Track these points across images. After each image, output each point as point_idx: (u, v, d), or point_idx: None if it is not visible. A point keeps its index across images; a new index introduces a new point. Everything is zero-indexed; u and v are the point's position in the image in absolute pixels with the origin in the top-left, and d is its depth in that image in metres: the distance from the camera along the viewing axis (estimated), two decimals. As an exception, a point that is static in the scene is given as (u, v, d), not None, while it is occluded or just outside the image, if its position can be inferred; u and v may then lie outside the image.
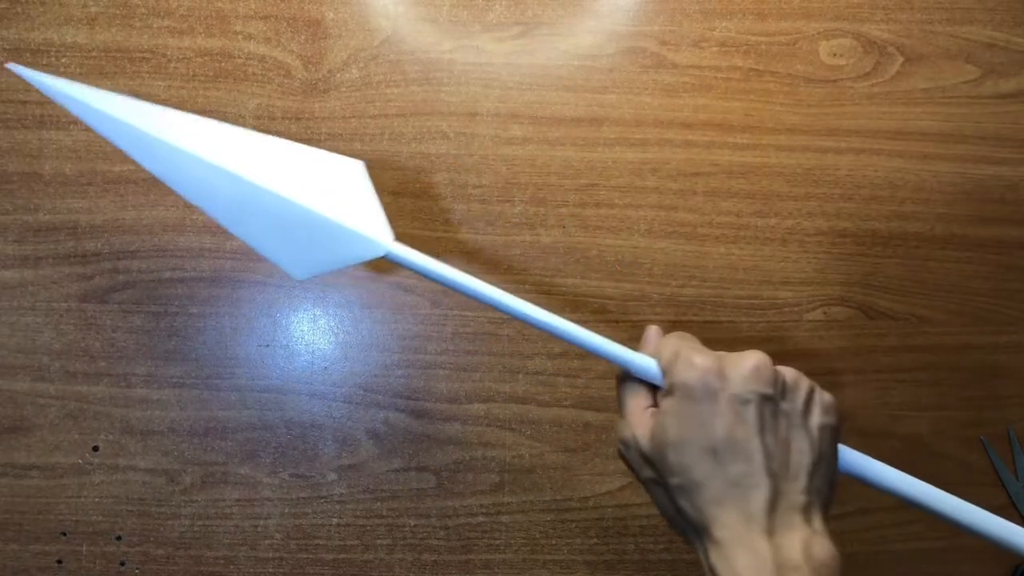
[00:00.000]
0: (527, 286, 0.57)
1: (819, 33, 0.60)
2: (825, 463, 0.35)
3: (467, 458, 0.56)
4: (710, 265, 0.58)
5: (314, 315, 0.56)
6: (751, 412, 0.33)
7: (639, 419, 0.37)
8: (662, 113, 0.58)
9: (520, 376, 0.57)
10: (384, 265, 0.56)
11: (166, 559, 0.54)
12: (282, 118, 0.57)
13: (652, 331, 0.39)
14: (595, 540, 0.56)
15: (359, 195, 0.40)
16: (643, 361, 0.37)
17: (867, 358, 0.59)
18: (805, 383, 0.36)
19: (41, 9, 0.56)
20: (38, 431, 0.54)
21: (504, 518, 0.56)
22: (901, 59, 0.60)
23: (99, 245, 0.55)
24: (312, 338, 0.56)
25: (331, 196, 0.39)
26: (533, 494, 0.56)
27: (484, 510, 0.56)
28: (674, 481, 0.34)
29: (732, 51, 0.59)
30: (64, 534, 0.54)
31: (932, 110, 0.60)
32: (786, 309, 0.58)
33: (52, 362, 0.54)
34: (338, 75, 0.57)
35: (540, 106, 0.58)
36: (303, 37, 0.57)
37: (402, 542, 0.55)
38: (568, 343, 0.39)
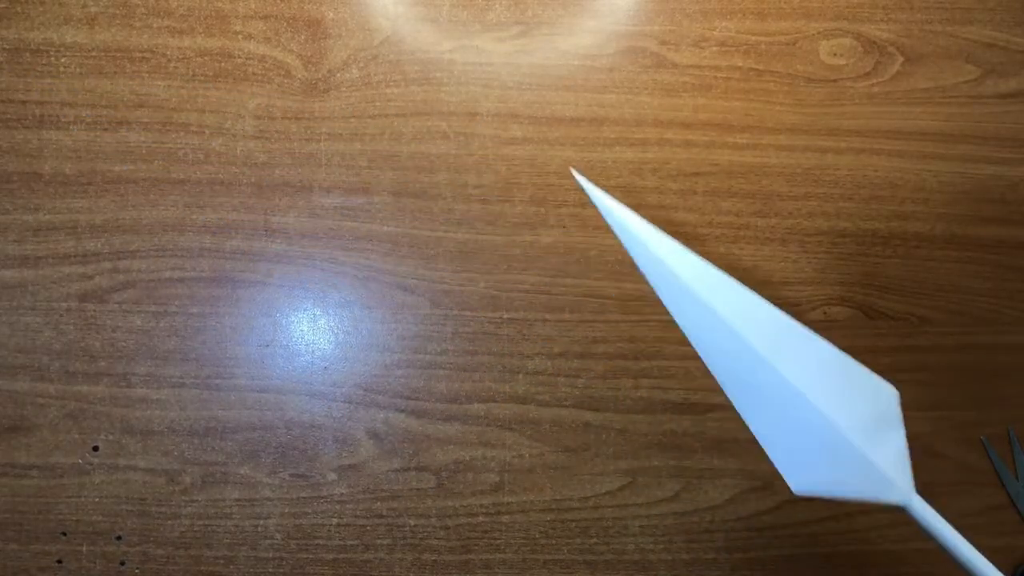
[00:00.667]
0: (527, 286, 0.57)
1: (819, 33, 0.60)
2: None
3: (467, 458, 0.56)
4: (710, 265, 0.58)
5: (314, 315, 0.56)
6: None
7: None
8: (662, 113, 0.58)
9: (520, 376, 0.57)
10: (385, 265, 0.56)
11: (166, 559, 0.54)
12: (282, 118, 0.57)
13: None
14: (595, 540, 0.56)
15: (888, 427, 0.37)
16: None
17: (867, 358, 0.58)
18: None
19: (41, 9, 0.56)
20: (38, 431, 0.54)
21: (504, 518, 0.56)
22: (901, 59, 0.60)
23: (99, 245, 0.55)
24: (312, 338, 0.56)
25: (861, 418, 0.36)
26: (533, 494, 0.56)
27: (484, 510, 0.56)
28: None
29: (732, 51, 0.59)
30: (64, 534, 0.54)
31: (932, 110, 0.60)
32: (786, 309, 0.58)
33: (52, 362, 0.54)
34: (338, 75, 0.57)
35: (540, 106, 0.58)
36: (303, 37, 0.57)
37: (402, 542, 0.55)
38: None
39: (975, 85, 0.61)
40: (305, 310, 0.56)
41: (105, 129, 0.56)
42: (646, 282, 0.57)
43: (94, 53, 0.56)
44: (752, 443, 0.57)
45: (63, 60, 0.56)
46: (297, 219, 0.56)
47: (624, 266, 0.58)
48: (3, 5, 0.56)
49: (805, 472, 0.35)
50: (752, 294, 0.37)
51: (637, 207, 0.57)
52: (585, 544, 0.56)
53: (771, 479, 0.57)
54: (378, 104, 0.57)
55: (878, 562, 0.57)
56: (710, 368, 0.36)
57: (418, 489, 0.55)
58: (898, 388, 0.37)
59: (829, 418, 0.35)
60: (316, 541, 0.55)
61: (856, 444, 0.35)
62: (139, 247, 0.55)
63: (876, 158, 0.60)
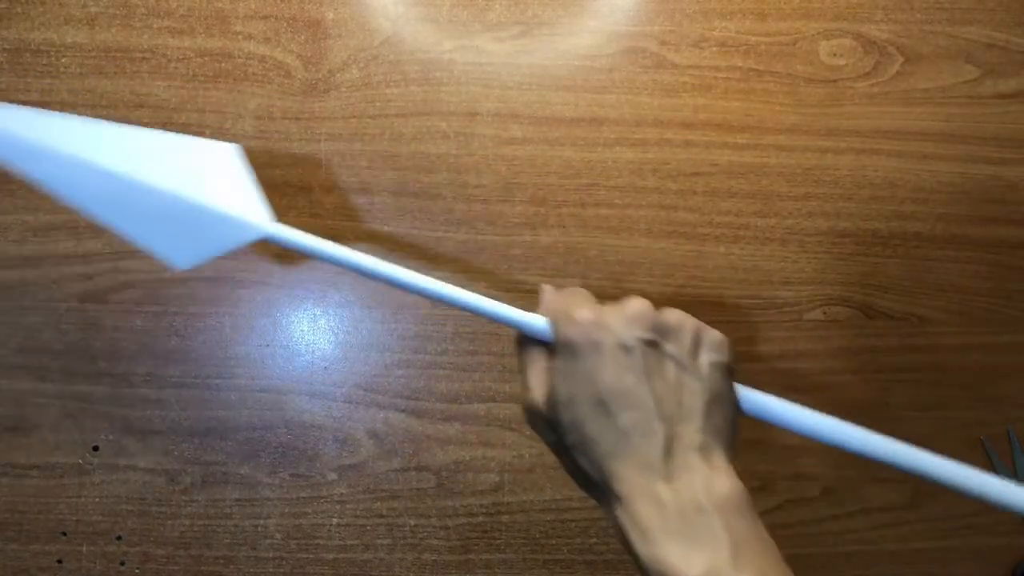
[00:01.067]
0: (527, 286, 0.57)
1: (819, 33, 0.60)
2: (720, 401, 0.34)
3: (467, 458, 0.56)
4: (710, 265, 0.58)
5: (314, 315, 0.56)
6: (636, 359, 0.33)
7: (537, 382, 0.36)
8: (662, 113, 0.58)
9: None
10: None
11: (166, 559, 0.54)
12: (282, 118, 0.57)
13: (545, 290, 0.39)
14: (595, 540, 0.56)
15: (233, 179, 0.40)
16: (535, 322, 0.37)
17: (867, 358, 0.59)
18: (690, 323, 0.36)
19: (41, 9, 0.56)
20: (38, 431, 0.54)
21: (504, 518, 0.56)
22: (901, 59, 0.60)
23: (99, 245, 0.55)
24: (312, 338, 0.56)
25: (203, 182, 0.39)
26: (533, 494, 0.56)
27: (484, 510, 0.56)
28: (570, 440, 0.34)
29: (732, 51, 0.59)
30: (64, 534, 0.54)
31: (932, 110, 0.60)
32: (786, 309, 0.58)
33: (52, 362, 0.54)
34: (338, 75, 0.57)
35: (540, 106, 0.58)
36: (303, 37, 0.57)
37: (402, 542, 0.55)
38: (462, 310, 0.38)
39: (975, 85, 0.61)
40: (305, 310, 0.56)
41: (105, 129, 0.56)
42: (646, 282, 0.57)
43: (94, 53, 0.56)
44: (752, 443, 0.58)
45: (63, 60, 0.56)
46: (297, 219, 0.56)
47: (624, 266, 0.58)
48: (3, 5, 0.56)
49: (182, 248, 0.39)
50: (73, 118, 0.40)
51: (637, 207, 0.58)
52: (585, 544, 0.56)
53: (771, 479, 0.57)
54: (378, 104, 0.57)
55: (878, 562, 0.57)
56: (85, 211, 0.38)
57: (418, 489, 0.55)
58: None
59: (175, 193, 0.39)
60: (316, 541, 0.55)
61: (206, 203, 0.39)
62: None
63: (876, 158, 0.60)
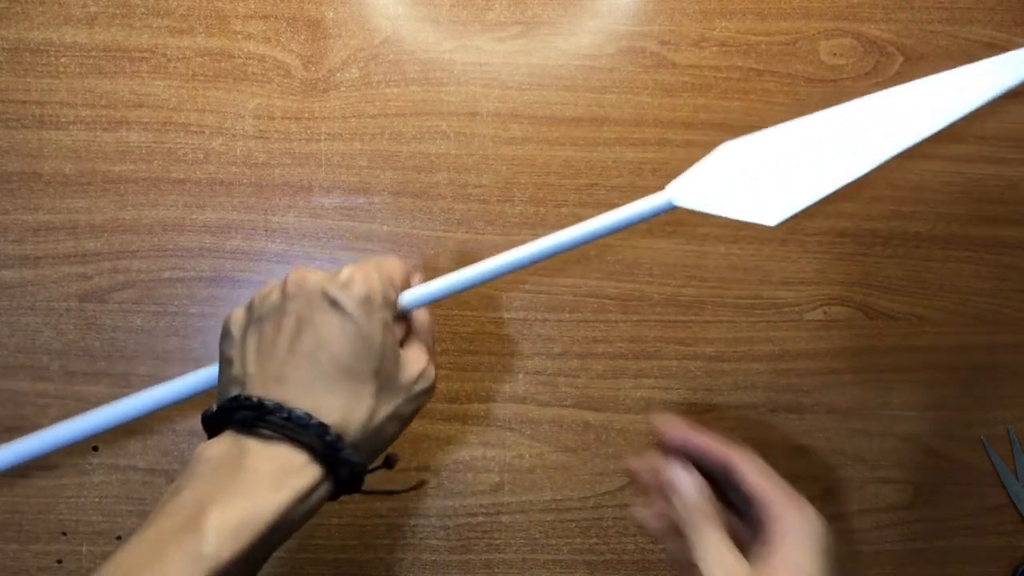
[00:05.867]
0: (527, 286, 0.57)
1: (819, 33, 0.60)
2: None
3: (467, 458, 0.56)
4: (710, 265, 0.58)
5: (314, 315, 0.56)
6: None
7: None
8: (662, 113, 0.58)
9: (520, 376, 0.57)
10: (384, 265, 0.56)
11: (166, 559, 0.54)
12: (282, 118, 0.57)
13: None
14: (595, 540, 0.56)
15: None
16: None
17: (867, 358, 0.59)
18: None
19: (40, 9, 0.56)
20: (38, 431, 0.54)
21: (504, 518, 0.56)
22: (901, 59, 0.60)
23: (99, 245, 0.55)
24: (312, 338, 0.56)
25: None
26: (533, 494, 0.56)
27: (484, 510, 0.56)
28: None
29: (732, 51, 0.59)
30: (64, 534, 0.54)
31: (932, 110, 0.60)
32: (786, 309, 0.58)
33: (52, 362, 0.54)
34: (338, 75, 0.57)
35: (540, 106, 0.58)
36: (303, 37, 0.57)
37: (402, 542, 0.55)
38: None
39: (975, 85, 0.61)
40: (305, 310, 0.56)
41: (105, 129, 0.56)
42: (646, 282, 0.57)
43: (94, 53, 0.56)
44: (752, 443, 0.57)
45: (63, 60, 0.56)
46: (297, 219, 0.56)
47: (624, 266, 0.58)
48: (3, 5, 0.56)
49: None
50: None
51: (637, 207, 0.57)
52: (585, 544, 0.56)
53: (771, 479, 0.57)
54: (378, 104, 0.57)
55: (878, 562, 0.57)
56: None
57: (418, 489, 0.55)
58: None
59: None
60: (316, 541, 0.55)
61: None
62: (139, 247, 0.55)
63: (876, 158, 0.59)
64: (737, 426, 0.57)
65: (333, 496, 0.34)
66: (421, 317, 0.40)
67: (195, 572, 0.27)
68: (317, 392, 0.33)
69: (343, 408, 0.33)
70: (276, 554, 0.54)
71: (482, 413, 0.56)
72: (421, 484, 0.36)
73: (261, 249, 0.56)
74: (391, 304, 0.37)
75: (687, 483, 0.36)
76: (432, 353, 0.39)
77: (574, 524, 0.56)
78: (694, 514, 0.35)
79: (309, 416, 0.32)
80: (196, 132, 0.56)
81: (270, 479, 0.31)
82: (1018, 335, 0.60)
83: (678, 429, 0.38)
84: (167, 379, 0.55)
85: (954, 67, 0.60)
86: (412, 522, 0.55)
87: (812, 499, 0.54)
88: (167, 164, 0.56)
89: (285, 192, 0.56)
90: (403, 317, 0.40)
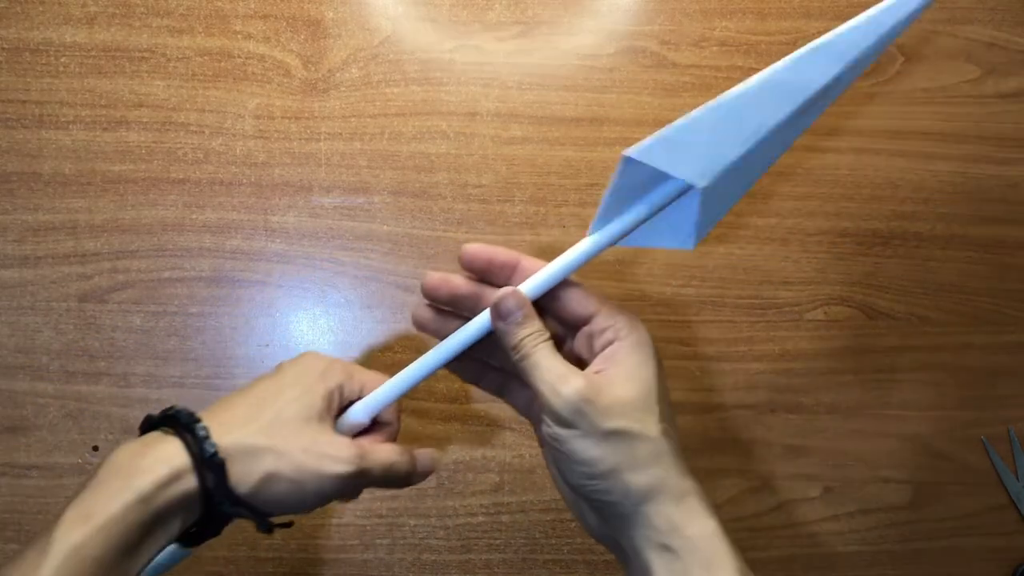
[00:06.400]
0: (527, 286, 0.57)
1: (819, 33, 0.60)
2: None
3: (467, 458, 0.56)
4: (710, 265, 0.58)
5: (314, 315, 0.56)
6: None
7: None
8: (662, 113, 0.58)
9: (520, 376, 0.56)
10: (385, 265, 0.56)
11: (166, 559, 0.54)
12: (282, 117, 0.57)
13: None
14: (595, 540, 0.56)
15: None
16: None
17: (867, 358, 0.59)
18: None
19: (41, 8, 0.56)
20: (38, 431, 0.54)
21: (504, 518, 0.56)
22: (901, 59, 0.60)
23: (99, 245, 0.55)
24: (312, 338, 0.56)
25: None
26: (533, 494, 0.56)
27: (484, 510, 0.56)
28: None
29: (732, 51, 0.59)
30: (64, 534, 0.54)
31: (932, 110, 0.60)
32: (786, 309, 0.58)
33: (52, 362, 0.54)
34: (338, 75, 0.57)
35: (540, 106, 0.58)
36: (303, 37, 0.57)
37: (402, 542, 0.55)
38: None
39: (975, 85, 0.61)
40: (305, 310, 0.56)
41: (104, 129, 0.56)
42: (646, 282, 0.57)
43: (94, 53, 0.56)
44: (752, 443, 0.58)
45: (63, 60, 0.56)
46: (297, 219, 0.56)
47: (624, 266, 0.58)
48: (3, 5, 0.56)
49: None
50: None
51: (637, 207, 0.58)
52: (585, 544, 0.56)
53: (771, 479, 0.57)
54: (378, 104, 0.57)
55: (878, 562, 0.57)
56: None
57: (418, 489, 0.55)
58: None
59: None
60: (316, 541, 0.55)
61: None
62: (138, 247, 0.55)
63: (876, 158, 0.60)
64: (737, 426, 0.57)
65: (204, 521, 0.32)
66: (386, 416, 0.39)
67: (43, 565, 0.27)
68: (221, 407, 0.34)
69: (236, 426, 0.33)
70: (276, 554, 0.54)
71: (482, 413, 0.56)
72: (289, 524, 0.36)
73: (261, 249, 0.56)
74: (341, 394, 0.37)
75: (512, 302, 0.34)
76: (378, 459, 0.37)
77: (574, 524, 0.56)
78: (520, 333, 0.34)
79: (191, 414, 0.33)
80: (196, 132, 0.56)
81: (128, 466, 0.30)
82: (1018, 335, 0.60)
83: (485, 249, 0.36)
84: (167, 379, 0.55)
85: (955, 67, 0.60)
86: (412, 522, 0.55)
87: (812, 499, 0.54)
88: (167, 164, 0.56)
89: (285, 192, 0.56)
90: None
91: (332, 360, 0.37)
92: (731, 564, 0.32)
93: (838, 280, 0.59)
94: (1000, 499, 0.58)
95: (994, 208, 0.60)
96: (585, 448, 0.32)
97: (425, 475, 0.38)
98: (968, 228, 0.60)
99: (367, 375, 0.38)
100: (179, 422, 0.32)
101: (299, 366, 0.37)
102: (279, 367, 0.37)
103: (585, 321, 0.36)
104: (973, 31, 0.60)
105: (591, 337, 0.35)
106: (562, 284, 0.36)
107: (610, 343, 0.34)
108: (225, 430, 0.32)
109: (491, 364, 0.40)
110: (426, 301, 0.37)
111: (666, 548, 0.32)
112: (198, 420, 0.32)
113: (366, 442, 0.37)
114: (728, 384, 0.57)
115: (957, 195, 0.60)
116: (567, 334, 0.37)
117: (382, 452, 0.36)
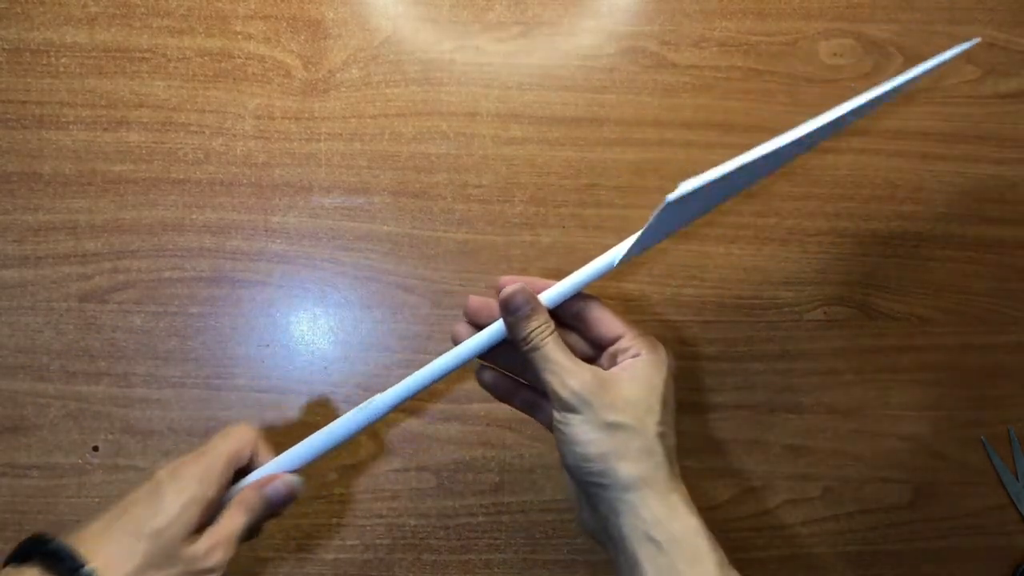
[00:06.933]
0: (527, 286, 0.57)
1: (819, 33, 0.60)
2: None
3: (467, 458, 0.56)
4: (710, 265, 0.58)
5: (314, 315, 0.56)
6: None
7: None
8: (662, 113, 0.58)
9: (520, 376, 0.56)
10: (385, 265, 0.56)
11: (166, 559, 0.54)
12: (282, 118, 0.57)
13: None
14: (588, 535, 0.56)
15: None
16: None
17: (867, 358, 0.59)
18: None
19: (41, 9, 0.56)
20: (38, 431, 0.54)
21: (504, 518, 0.56)
22: (901, 59, 0.60)
23: (99, 245, 0.55)
24: (312, 338, 0.56)
25: None
26: (533, 494, 0.56)
27: (484, 510, 0.56)
28: None
29: (732, 51, 0.59)
30: (64, 534, 0.54)
31: (932, 110, 0.60)
32: (786, 309, 0.58)
33: (52, 362, 0.54)
34: (338, 75, 0.57)
35: (540, 106, 0.58)
36: (303, 37, 0.57)
37: (402, 542, 0.55)
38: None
39: (975, 85, 0.61)
40: (305, 310, 0.56)
41: (105, 129, 0.56)
42: (646, 282, 0.57)
43: (94, 53, 0.56)
44: (752, 443, 0.58)
45: (63, 60, 0.56)
46: (297, 219, 0.56)
47: (624, 266, 0.58)
48: (3, 5, 0.56)
49: None
50: None
51: (637, 207, 0.58)
52: (585, 544, 0.56)
53: (771, 479, 0.57)
54: (378, 104, 0.57)
55: (878, 562, 0.57)
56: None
57: (418, 489, 0.55)
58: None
59: None
60: (316, 541, 0.55)
61: None
62: (139, 247, 0.55)
63: (876, 158, 0.60)
64: (737, 426, 0.57)
65: None
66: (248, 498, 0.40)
67: None
68: (99, 539, 0.34)
69: (111, 554, 0.33)
70: (276, 554, 0.54)
71: (482, 413, 0.56)
72: None
73: (261, 249, 0.56)
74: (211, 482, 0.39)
75: (521, 298, 0.36)
76: (237, 535, 0.38)
77: (574, 524, 0.56)
78: (529, 326, 0.36)
79: (70, 550, 0.32)
80: (196, 132, 0.56)
81: None
82: (1018, 335, 0.60)
83: (516, 280, 0.38)
84: (167, 379, 0.55)
85: (954, 67, 0.60)
86: (412, 522, 0.55)
87: (812, 499, 0.54)
88: (167, 164, 0.56)
89: (285, 192, 0.56)
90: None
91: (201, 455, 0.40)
92: (712, 558, 0.34)
93: (838, 280, 0.59)
94: (1000, 499, 0.58)
95: (993, 208, 0.60)
96: (584, 432, 0.35)
97: (291, 500, 0.41)
98: (968, 228, 0.60)
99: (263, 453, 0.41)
100: (60, 561, 0.32)
101: (178, 481, 0.38)
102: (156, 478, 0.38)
103: (612, 342, 0.38)
104: (973, 31, 0.60)
105: (615, 355, 0.38)
106: (592, 308, 0.39)
107: (631, 359, 0.37)
108: (104, 565, 0.33)
109: (524, 383, 0.42)
110: (466, 319, 0.40)
111: (651, 540, 0.33)
112: (82, 565, 0.32)
113: (221, 527, 0.37)
114: (728, 384, 0.57)
115: (956, 195, 0.60)
116: (596, 354, 0.40)
117: (234, 522, 0.38)
